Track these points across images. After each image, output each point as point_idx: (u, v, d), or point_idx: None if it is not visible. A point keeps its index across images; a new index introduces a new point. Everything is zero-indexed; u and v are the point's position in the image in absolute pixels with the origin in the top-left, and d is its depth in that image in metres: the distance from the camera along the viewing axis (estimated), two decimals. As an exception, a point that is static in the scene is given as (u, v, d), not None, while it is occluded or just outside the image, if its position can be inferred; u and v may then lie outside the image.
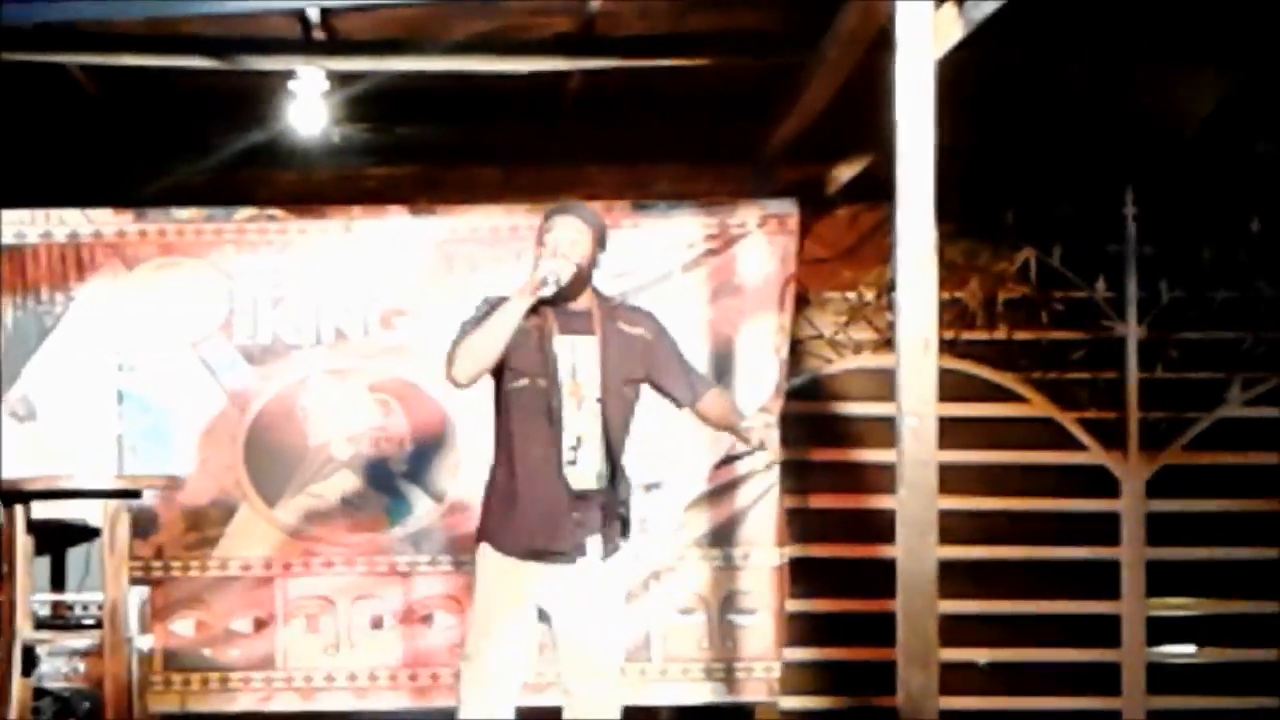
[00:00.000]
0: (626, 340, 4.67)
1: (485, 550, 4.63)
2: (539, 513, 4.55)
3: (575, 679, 4.68)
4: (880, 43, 4.91)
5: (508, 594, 4.61)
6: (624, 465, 4.73)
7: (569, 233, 4.57)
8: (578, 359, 4.61)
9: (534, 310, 4.50)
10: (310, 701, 6.57)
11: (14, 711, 5.02)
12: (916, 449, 4.67)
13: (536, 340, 4.57)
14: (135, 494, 5.29)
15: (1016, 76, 6.41)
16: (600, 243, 4.66)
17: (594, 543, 4.61)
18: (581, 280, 4.56)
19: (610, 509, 4.66)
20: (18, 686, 5.04)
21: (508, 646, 4.62)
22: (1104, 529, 7.11)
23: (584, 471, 4.59)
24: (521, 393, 4.57)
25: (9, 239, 6.47)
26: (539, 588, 4.61)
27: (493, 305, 4.57)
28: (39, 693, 5.55)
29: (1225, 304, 7.10)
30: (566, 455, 4.57)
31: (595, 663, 4.66)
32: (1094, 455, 7.13)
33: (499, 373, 4.55)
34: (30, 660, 5.18)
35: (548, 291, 4.46)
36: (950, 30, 4.71)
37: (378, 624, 6.54)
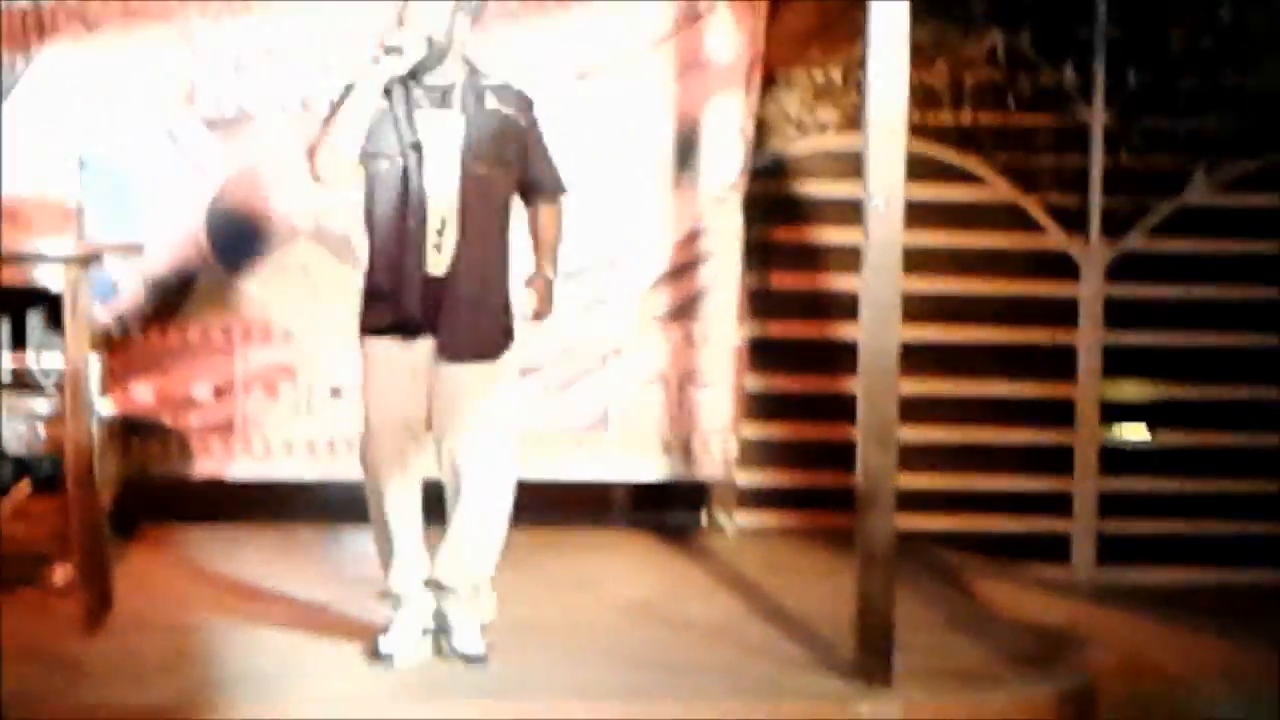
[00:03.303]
0: (496, 118, 4.57)
1: (366, 341, 4.64)
2: (404, 294, 4.53)
3: (460, 501, 4.70)
4: None
5: (390, 375, 4.63)
6: (500, 257, 4.67)
7: (428, 9, 4.46)
8: (440, 136, 4.53)
9: (397, 88, 4.45)
10: (268, 468, 6.58)
11: None
12: (882, 231, 4.67)
13: (395, 118, 4.51)
14: (95, 258, 5.26)
15: None
16: (471, 12, 4.53)
17: (460, 334, 4.59)
18: (441, 52, 4.45)
19: (481, 305, 4.61)
20: None
21: (401, 436, 4.66)
22: (1063, 313, 7.12)
23: (448, 257, 4.55)
24: (384, 175, 4.53)
25: None
26: (418, 367, 4.61)
27: (345, 92, 4.50)
28: None
29: (1192, 91, 7.04)
30: (431, 239, 4.53)
31: (476, 484, 4.65)
32: (1055, 240, 7.10)
33: (363, 156, 4.50)
34: None
35: (396, 67, 4.37)
36: None
37: (336, 393, 6.50)
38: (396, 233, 4.52)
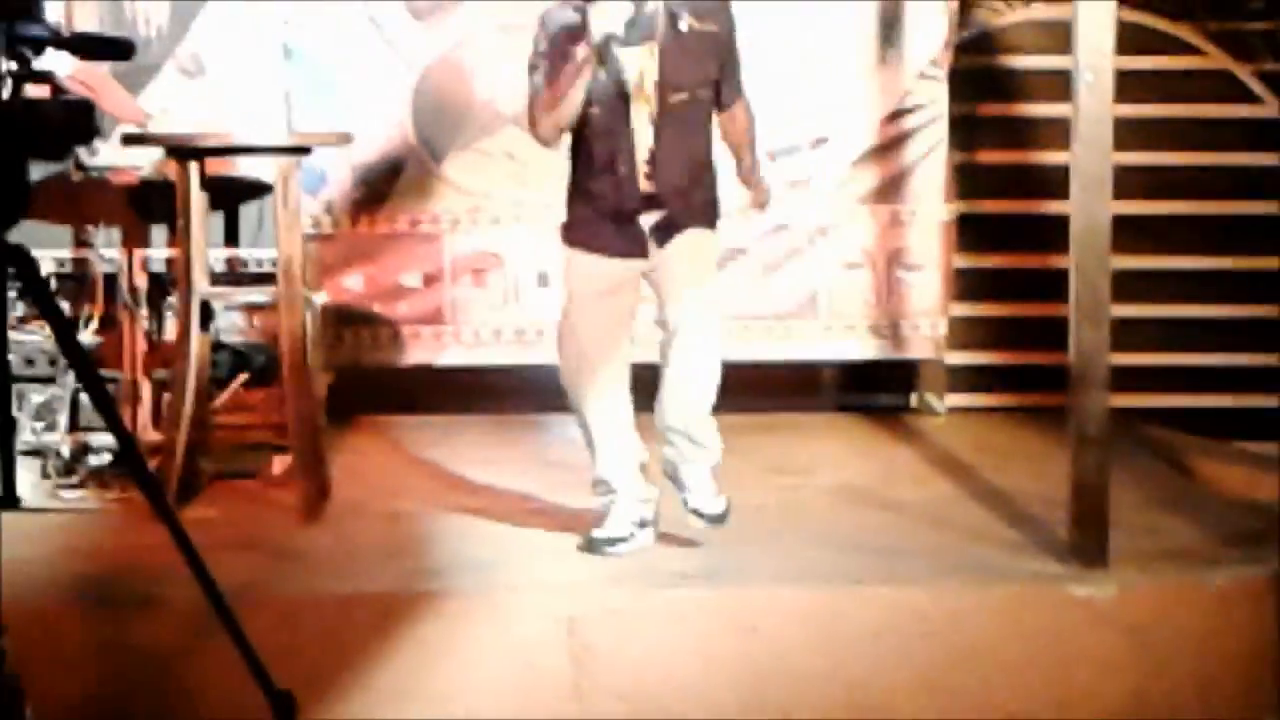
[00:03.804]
0: (696, 38, 4.58)
1: (573, 254, 4.72)
2: (621, 224, 4.60)
3: (674, 349, 4.70)
4: None
5: (602, 291, 4.68)
6: (705, 154, 4.71)
7: None
8: (644, 69, 4.54)
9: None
10: (477, 355, 6.65)
11: (193, 365, 5.13)
12: (1092, 103, 4.57)
13: (610, 58, 4.51)
14: (306, 150, 5.30)
15: None
16: None
17: (674, 212, 4.63)
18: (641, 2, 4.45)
19: (691, 192, 4.66)
20: (196, 341, 5.14)
21: (612, 350, 4.71)
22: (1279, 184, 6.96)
23: (662, 180, 4.59)
24: (595, 117, 4.56)
25: None
26: (631, 275, 4.67)
27: (564, 34, 4.54)
28: (216, 346, 5.63)
29: None
30: (642, 169, 4.56)
31: (690, 332, 4.66)
32: (1271, 108, 6.95)
33: None
34: (207, 315, 5.26)
35: (610, 28, 4.40)
36: None
37: (544, 280, 6.50)
38: (610, 168, 4.59)
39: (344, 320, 6.54)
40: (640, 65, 4.51)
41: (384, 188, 6.53)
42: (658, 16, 4.51)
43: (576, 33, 4.43)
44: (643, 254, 4.60)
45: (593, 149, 4.61)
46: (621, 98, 4.51)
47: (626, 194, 4.59)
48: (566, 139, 4.69)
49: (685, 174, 4.63)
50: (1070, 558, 4.64)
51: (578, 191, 4.73)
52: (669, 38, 4.51)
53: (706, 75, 4.62)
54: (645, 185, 4.58)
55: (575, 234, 4.71)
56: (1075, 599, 4.45)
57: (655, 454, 4.83)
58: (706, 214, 4.71)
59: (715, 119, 4.75)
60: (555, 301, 6.16)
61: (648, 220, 4.61)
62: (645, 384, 4.83)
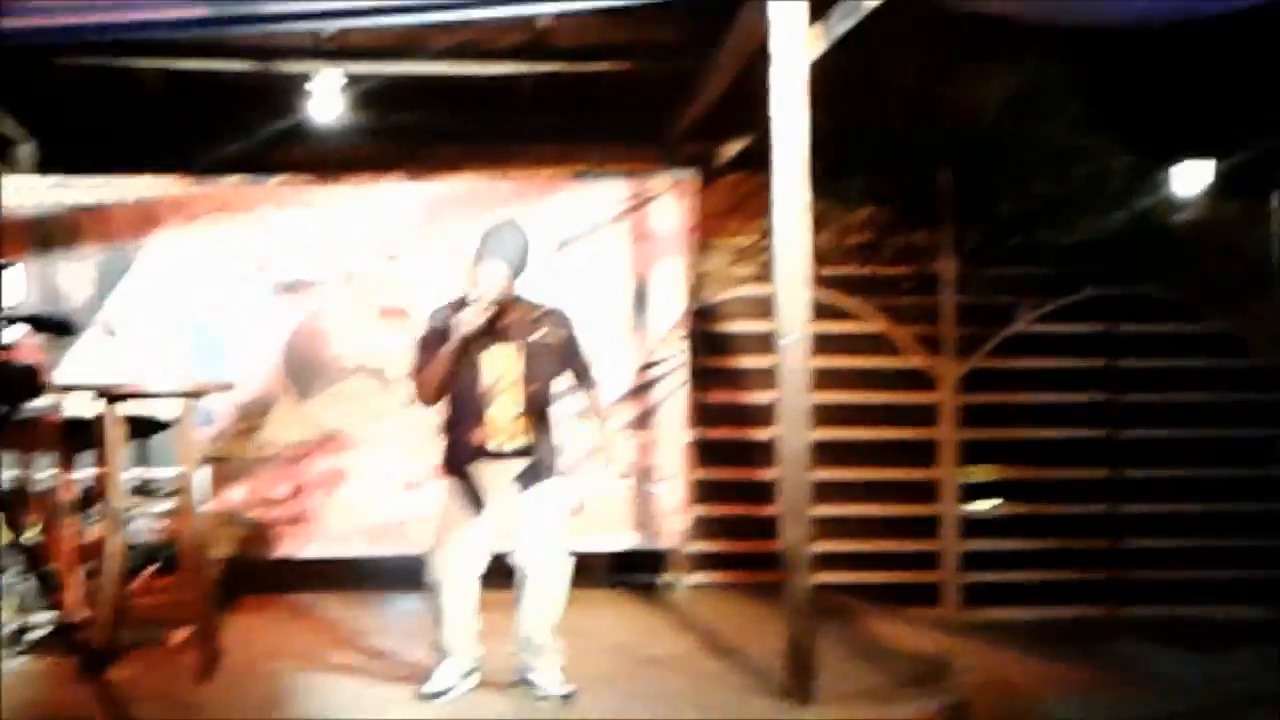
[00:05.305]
0: (543, 346, 4.96)
1: (446, 480, 5.03)
2: (475, 461, 4.96)
3: (525, 555, 5.00)
4: (759, 52, 5.17)
5: (460, 501, 5.00)
6: (548, 430, 5.00)
7: (491, 277, 4.82)
8: (503, 362, 4.92)
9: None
10: (332, 548, 6.95)
11: (114, 559, 5.31)
12: (792, 357, 4.98)
13: (472, 351, 4.91)
14: (199, 394, 5.56)
15: (864, 77, 6.41)
16: (521, 269, 4.90)
17: (522, 474, 4.94)
18: (504, 306, 4.88)
19: (536, 460, 4.98)
20: (115, 541, 5.35)
21: (467, 560, 4.98)
22: (926, 416, 7.58)
23: (505, 446, 4.95)
24: (463, 385, 4.94)
25: (94, 199, 6.85)
26: (487, 490, 4.95)
27: (436, 325, 4.87)
28: (130, 545, 5.80)
29: (1016, 247, 7.54)
30: (490, 437, 4.94)
31: (537, 547, 4.98)
32: (919, 361, 7.58)
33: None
34: (123, 520, 5.51)
35: (472, 322, 4.79)
36: (816, 44, 5.02)
37: (382, 491, 6.96)
38: (472, 429, 4.95)
39: (229, 523, 6.84)
40: (503, 358, 4.90)
41: (259, 421, 6.94)
42: (516, 325, 4.91)
43: (444, 331, 4.86)
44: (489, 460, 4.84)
45: (458, 404, 4.98)
46: (481, 381, 4.90)
47: (478, 449, 4.93)
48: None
49: (530, 437, 4.95)
50: (787, 697, 4.98)
51: (448, 436, 5.03)
52: (529, 340, 4.92)
53: (549, 370, 4.99)
54: (492, 447, 4.94)
55: (448, 460, 5.04)
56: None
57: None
58: (551, 467, 5.03)
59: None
60: (389, 504, 7.00)
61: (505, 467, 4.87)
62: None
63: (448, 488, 5.02)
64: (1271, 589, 7.42)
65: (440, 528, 5.01)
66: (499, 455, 4.88)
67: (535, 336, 4.91)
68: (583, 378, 5.09)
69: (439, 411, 5.04)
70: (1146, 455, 7.63)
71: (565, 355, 5.01)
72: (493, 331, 4.84)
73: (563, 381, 5.07)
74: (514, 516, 4.96)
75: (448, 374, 4.83)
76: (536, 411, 4.94)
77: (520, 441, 4.89)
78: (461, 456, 4.97)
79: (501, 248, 4.85)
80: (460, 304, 4.84)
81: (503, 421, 4.87)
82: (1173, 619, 7.28)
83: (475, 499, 4.96)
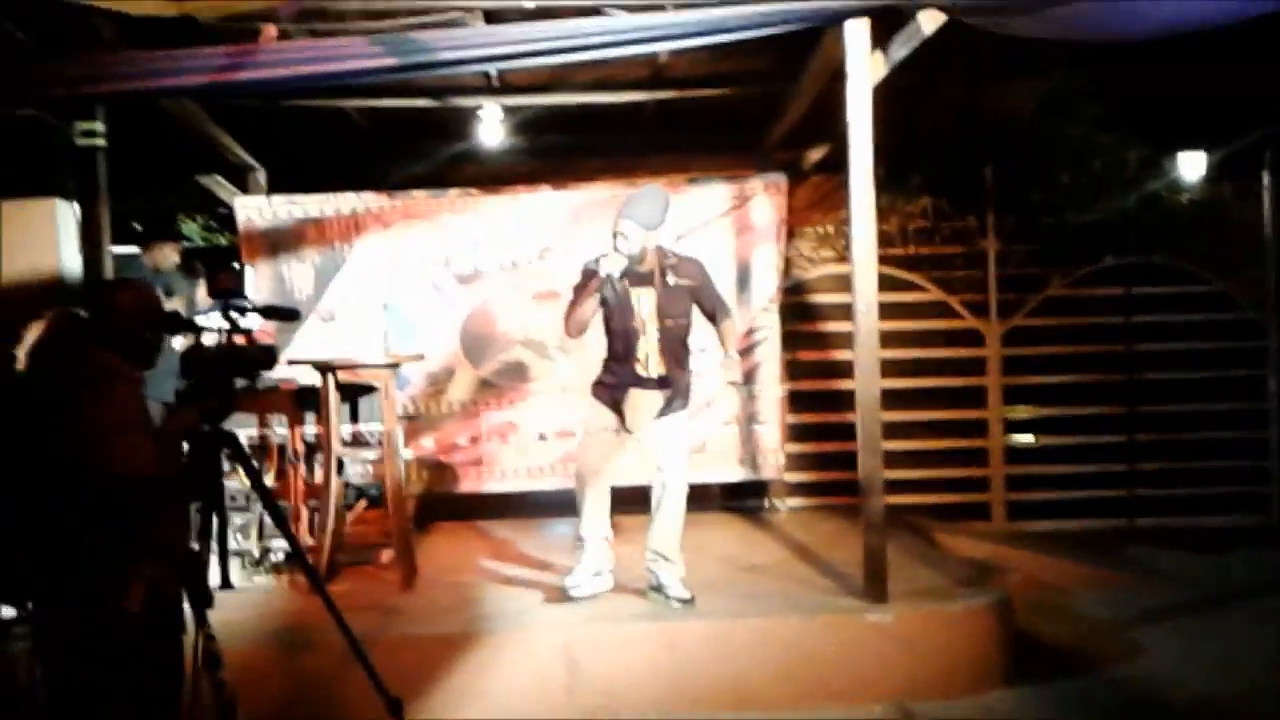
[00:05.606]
0: (679, 288, 4.86)
1: (593, 403, 5.01)
2: (625, 390, 4.87)
3: (658, 474, 4.95)
4: (835, 75, 5.16)
5: (606, 430, 4.96)
6: (685, 365, 4.92)
7: (627, 231, 4.74)
8: (643, 304, 4.82)
9: (621, 274, 4.79)
10: (504, 485, 7.03)
11: (333, 497, 5.47)
12: (865, 321, 4.93)
13: (619, 292, 4.81)
14: (397, 365, 5.68)
15: (918, 93, 6.17)
16: (654, 226, 4.76)
17: (660, 405, 4.85)
18: (640, 258, 4.79)
19: (672, 392, 4.91)
20: (334, 483, 5.48)
21: (605, 467, 4.95)
22: (976, 367, 7.64)
23: (651, 373, 4.87)
24: (613, 322, 4.87)
25: (314, 214, 6.94)
26: (629, 413, 4.86)
27: (587, 274, 4.81)
28: (346, 485, 6.01)
29: (1047, 227, 7.54)
30: (638, 366, 4.85)
31: (667, 466, 4.94)
32: (969, 322, 7.64)
33: (603, 306, 4.87)
34: (340, 466, 5.62)
35: (615, 269, 4.68)
36: (879, 68, 4.99)
37: (543, 438, 7.00)
38: (623, 358, 4.88)
39: (423, 466, 6.95)
40: (643, 300, 4.78)
41: (444, 385, 7.01)
42: (656, 271, 4.80)
43: (592, 276, 4.82)
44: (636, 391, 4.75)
45: (611, 342, 4.90)
46: (629, 317, 4.78)
47: (627, 377, 4.82)
48: (593, 334, 4.91)
49: (668, 370, 4.83)
50: (864, 597, 4.92)
51: (602, 367, 4.97)
52: (662, 286, 4.78)
53: (686, 308, 4.89)
54: (639, 372, 4.83)
55: (594, 390, 4.99)
56: (868, 622, 4.74)
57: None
58: (682, 402, 4.97)
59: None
60: (550, 451, 6.97)
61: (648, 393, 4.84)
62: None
63: (597, 405, 5.03)
64: (1258, 501, 7.68)
65: (586, 437, 5.06)
66: (642, 382, 4.88)
67: (672, 280, 4.86)
68: (717, 313, 5.02)
69: (599, 348, 5.06)
70: (1156, 394, 7.71)
71: (700, 295, 4.96)
72: (636, 277, 4.83)
73: (700, 320, 5.05)
74: (650, 440, 4.97)
75: (590, 311, 4.83)
76: (674, 346, 4.92)
77: (659, 371, 4.86)
78: (613, 381, 4.97)
79: (635, 210, 4.79)
80: (604, 257, 4.83)
81: (645, 354, 4.85)
82: (1179, 528, 7.45)
83: (620, 416, 4.96)
